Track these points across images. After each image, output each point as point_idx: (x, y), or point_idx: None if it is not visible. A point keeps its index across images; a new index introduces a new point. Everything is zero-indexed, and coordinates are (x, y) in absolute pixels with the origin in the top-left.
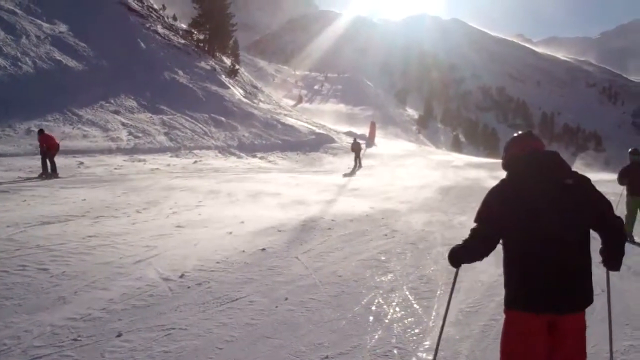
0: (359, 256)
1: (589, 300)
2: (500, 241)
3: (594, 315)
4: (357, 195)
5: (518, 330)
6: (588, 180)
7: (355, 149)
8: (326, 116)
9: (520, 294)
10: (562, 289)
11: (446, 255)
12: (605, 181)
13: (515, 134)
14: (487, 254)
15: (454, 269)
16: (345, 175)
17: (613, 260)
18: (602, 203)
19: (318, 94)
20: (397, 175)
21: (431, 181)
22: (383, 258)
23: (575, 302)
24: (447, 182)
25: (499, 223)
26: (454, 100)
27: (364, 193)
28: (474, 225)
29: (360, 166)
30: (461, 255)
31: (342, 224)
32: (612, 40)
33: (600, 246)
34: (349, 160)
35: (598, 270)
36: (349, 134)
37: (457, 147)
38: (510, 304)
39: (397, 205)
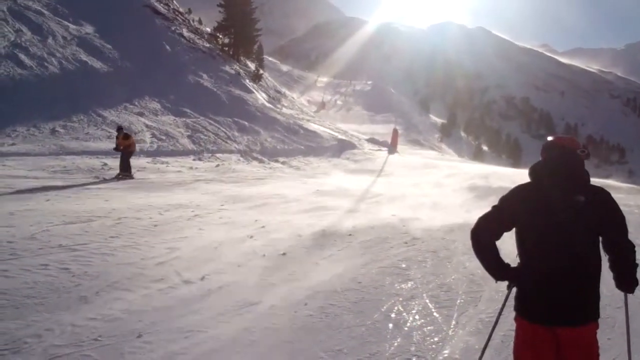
0: (379, 263)
1: (593, 315)
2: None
3: (615, 328)
4: (379, 202)
5: (525, 339)
6: (606, 195)
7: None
8: (348, 123)
9: (525, 303)
10: (564, 302)
11: (467, 264)
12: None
13: (550, 137)
14: (492, 236)
15: (475, 279)
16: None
17: (623, 285)
18: (613, 225)
19: (341, 100)
20: (421, 184)
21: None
22: (403, 265)
23: (577, 316)
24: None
25: (512, 218)
26: (478, 109)
27: (385, 200)
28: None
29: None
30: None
31: (363, 231)
32: (638, 52)
33: (609, 264)
34: (371, 166)
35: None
36: (371, 140)
37: (479, 156)
38: (517, 312)
39: (419, 213)
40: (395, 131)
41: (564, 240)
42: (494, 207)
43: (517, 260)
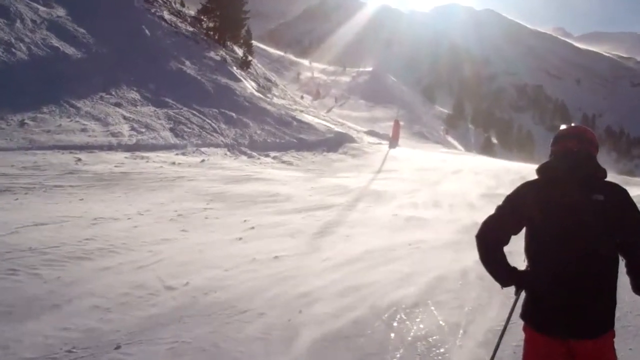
0: (380, 267)
1: (610, 323)
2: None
3: (637, 337)
4: (380, 200)
5: (536, 352)
6: (624, 193)
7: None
8: (345, 113)
9: (535, 311)
10: (582, 311)
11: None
12: None
13: (564, 126)
14: (500, 240)
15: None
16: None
17: None
18: (632, 226)
19: (337, 89)
20: (424, 178)
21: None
22: (407, 270)
23: (596, 326)
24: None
25: (522, 218)
26: (487, 99)
27: (387, 198)
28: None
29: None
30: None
31: (363, 231)
32: None
33: (625, 268)
34: (371, 162)
35: None
36: (370, 133)
37: (489, 150)
38: (526, 320)
39: (424, 212)
40: (396, 123)
41: (581, 242)
42: (500, 207)
43: (525, 263)
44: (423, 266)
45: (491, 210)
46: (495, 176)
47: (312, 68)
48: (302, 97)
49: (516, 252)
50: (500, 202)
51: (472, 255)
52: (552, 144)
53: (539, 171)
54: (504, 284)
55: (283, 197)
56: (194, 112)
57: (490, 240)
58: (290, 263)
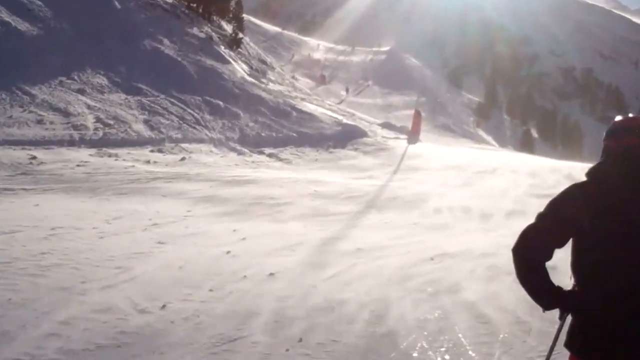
0: (397, 286)
1: None
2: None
3: None
4: (398, 206)
5: None
6: None
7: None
8: (356, 102)
9: (581, 340)
10: (637, 340)
11: (513, 287)
12: None
13: (619, 117)
14: (542, 254)
15: (523, 307)
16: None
17: None
18: None
19: (346, 73)
20: (450, 180)
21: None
22: (429, 289)
23: None
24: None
25: (570, 227)
26: (525, 84)
27: (405, 204)
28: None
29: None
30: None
31: (376, 243)
32: None
33: None
34: (386, 160)
35: None
36: (385, 125)
37: (528, 145)
38: (573, 351)
39: (450, 220)
40: (417, 114)
41: None
42: (542, 215)
43: (572, 282)
44: (449, 285)
45: (531, 219)
46: (535, 177)
47: (315, 47)
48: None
49: (561, 269)
50: (542, 209)
51: (508, 272)
52: (606, 139)
53: (590, 175)
54: (547, 306)
55: (280, 203)
56: (173, 100)
57: (530, 254)
58: (289, 281)
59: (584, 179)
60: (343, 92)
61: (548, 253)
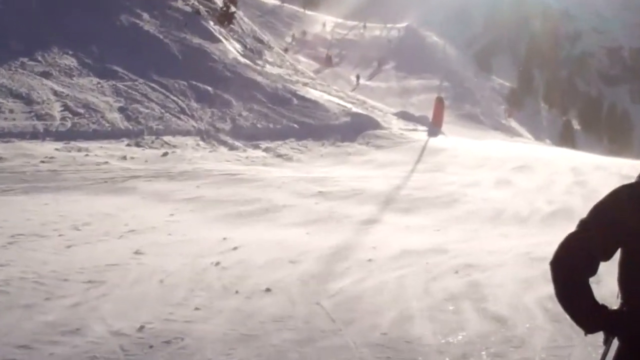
0: (414, 303)
1: None
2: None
3: None
4: (414, 210)
5: None
6: None
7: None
8: (368, 88)
9: None
10: None
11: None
12: None
13: None
14: (586, 268)
15: (562, 328)
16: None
17: None
18: None
19: (356, 54)
20: (477, 179)
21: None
22: (451, 307)
23: None
24: None
25: (619, 236)
26: (566, 67)
27: (424, 207)
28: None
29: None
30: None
31: (390, 254)
32: None
33: None
34: (403, 156)
35: None
36: (401, 115)
37: (568, 138)
38: None
39: (476, 226)
40: (439, 102)
41: None
42: (585, 222)
43: (619, 301)
44: (475, 303)
45: (573, 225)
46: (578, 175)
47: (321, 23)
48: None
49: (606, 285)
50: (584, 215)
51: (544, 288)
52: None
53: None
54: (590, 328)
55: (279, 206)
56: (154, 85)
57: (571, 268)
58: (288, 298)
59: (635, 178)
60: (353, 77)
61: (592, 266)
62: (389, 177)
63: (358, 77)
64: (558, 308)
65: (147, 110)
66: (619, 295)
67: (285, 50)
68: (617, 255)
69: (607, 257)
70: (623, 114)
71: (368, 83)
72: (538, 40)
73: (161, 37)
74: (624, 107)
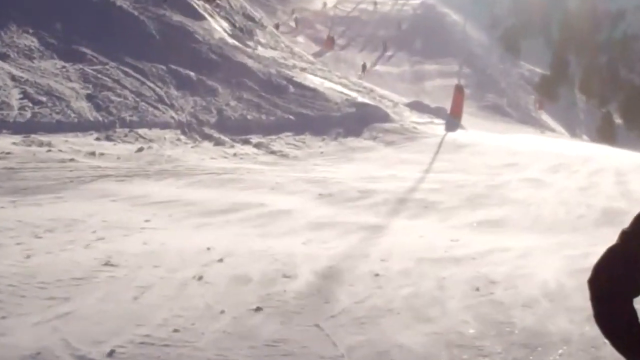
0: (429, 326)
1: None
2: None
3: None
4: (429, 216)
5: None
6: None
7: None
8: (375, 74)
9: None
10: None
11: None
12: None
13: None
14: (630, 288)
15: (600, 356)
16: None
17: None
18: None
19: (362, 35)
20: (502, 181)
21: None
22: (471, 331)
23: None
24: None
25: None
26: (605, 52)
27: (440, 213)
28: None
29: None
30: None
31: (401, 267)
32: None
33: None
34: (416, 153)
35: None
36: (415, 106)
37: (608, 134)
38: None
39: (501, 235)
40: (458, 91)
41: None
42: (627, 233)
43: None
44: (499, 325)
45: (614, 238)
46: (621, 177)
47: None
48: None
49: None
50: (626, 225)
51: (581, 309)
52: None
53: None
54: (633, 357)
55: (272, 210)
56: (127, 69)
57: (612, 287)
58: (282, 318)
59: None
60: (359, 61)
61: (637, 286)
62: (400, 178)
63: (364, 66)
64: (597, 331)
65: (119, 99)
66: None
67: (277, 26)
68: None
69: None
70: None
71: (376, 68)
72: (573, 20)
73: (136, 13)
74: None
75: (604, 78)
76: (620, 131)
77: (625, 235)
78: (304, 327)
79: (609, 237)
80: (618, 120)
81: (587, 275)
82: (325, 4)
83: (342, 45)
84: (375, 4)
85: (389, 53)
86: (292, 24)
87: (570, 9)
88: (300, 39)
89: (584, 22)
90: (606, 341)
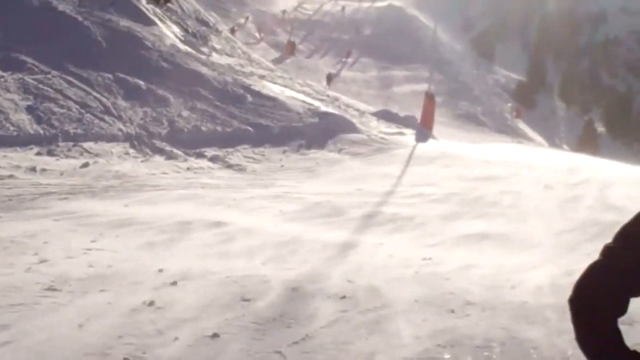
0: (401, 351)
1: None
2: None
3: None
4: (399, 233)
5: None
6: None
7: None
8: (340, 80)
9: None
10: None
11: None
12: None
13: None
14: (614, 305)
15: None
16: None
17: None
18: None
19: (326, 40)
20: (477, 196)
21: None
22: (447, 356)
23: None
24: None
25: None
26: (586, 56)
27: (410, 229)
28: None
29: None
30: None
31: (369, 289)
32: None
33: None
34: (385, 166)
35: None
36: (382, 115)
37: (589, 143)
38: None
39: (476, 253)
40: (429, 98)
41: None
42: (610, 249)
43: None
44: (477, 351)
45: (595, 254)
46: (604, 191)
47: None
48: (252, 48)
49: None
50: (609, 240)
51: (564, 332)
52: None
53: None
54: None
55: (230, 229)
56: (71, 78)
57: (594, 305)
58: (240, 346)
59: None
60: (323, 67)
61: (620, 303)
62: (368, 193)
63: (329, 76)
64: (579, 353)
65: (62, 110)
66: None
67: (232, 31)
68: None
69: (639, 291)
70: None
71: (341, 74)
72: (552, 22)
73: (80, 18)
74: None
75: (585, 84)
76: (603, 140)
77: (608, 251)
78: (264, 354)
79: (592, 253)
80: (601, 129)
81: (568, 292)
82: (284, 11)
83: (303, 51)
84: (344, 8)
85: (350, 59)
86: (257, 34)
87: (549, 11)
88: (258, 44)
89: (563, 24)
90: None
